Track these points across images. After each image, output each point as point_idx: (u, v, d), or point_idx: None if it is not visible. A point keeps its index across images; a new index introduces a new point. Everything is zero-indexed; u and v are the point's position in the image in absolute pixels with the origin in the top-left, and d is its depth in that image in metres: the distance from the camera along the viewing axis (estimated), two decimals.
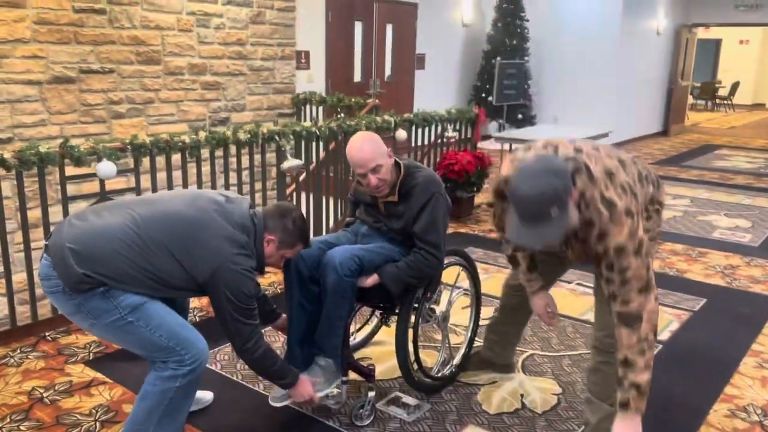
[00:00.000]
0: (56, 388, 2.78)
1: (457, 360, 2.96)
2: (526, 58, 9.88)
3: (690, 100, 14.80)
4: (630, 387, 1.98)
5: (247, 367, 2.96)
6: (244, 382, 2.87)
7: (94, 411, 2.61)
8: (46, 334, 3.28)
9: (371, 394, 2.60)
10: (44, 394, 2.72)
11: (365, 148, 2.50)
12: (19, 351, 3.11)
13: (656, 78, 11.84)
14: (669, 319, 3.65)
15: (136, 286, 2.05)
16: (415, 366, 2.72)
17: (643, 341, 1.97)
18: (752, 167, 9.14)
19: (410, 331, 2.66)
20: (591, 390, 2.33)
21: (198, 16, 6.15)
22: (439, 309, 2.87)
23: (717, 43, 19.65)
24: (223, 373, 2.95)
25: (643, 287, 1.97)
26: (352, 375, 2.65)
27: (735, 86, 17.83)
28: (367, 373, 2.61)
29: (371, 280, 2.54)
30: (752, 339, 3.45)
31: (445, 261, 2.82)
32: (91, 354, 3.09)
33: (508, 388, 2.88)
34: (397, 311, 2.70)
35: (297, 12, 7.11)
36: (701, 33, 13.64)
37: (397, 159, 2.63)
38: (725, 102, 18.07)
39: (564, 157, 2.00)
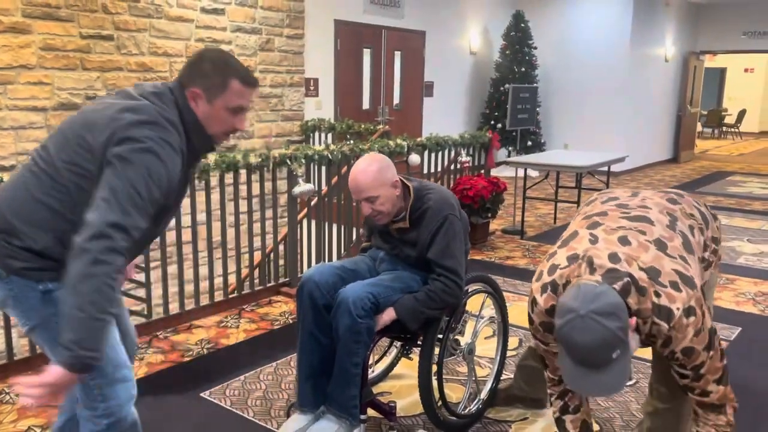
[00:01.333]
0: None
1: (484, 395, 2.76)
2: (535, 85, 9.81)
3: (698, 127, 14.70)
4: None
5: (259, 402, 2.79)
6: (256, 420, 2.67)
7: None
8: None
9: None
10: None
11: (362, 177, 2.33)
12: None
13: (665, 105, 11.76)
14: None
15: (54, 230, 1.66)
16: (440, 403, 2.52)
17: (730, 426, 1.83)
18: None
19: (433, 366, 2.47)
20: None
21: (207, 43, 6.09)
22: (464, 340, 2.68)
23: (722, 72, 19.65)
24: (233, 410, 2.75)
25: (719, 378, 1.79)
26: (371, 412, 2.45)
27: (742, 114, 17.78)
28: (388, 411, 2.42)
29: (387, 316, 2.35)
30: None
31: (471, 288, 2.65)
32: None
33: (540, 425, 2.67)
34: (419, 342, 2.51)
35: (306, 39, 7.06)
36: (707, 62, 13.61)
37: (407, 182, 2.46)
38: (732, 130, 17.99)
39: (606, 276, 1.70)
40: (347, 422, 2.32)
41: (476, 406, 2.70)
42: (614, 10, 9.96)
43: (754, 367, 3.28)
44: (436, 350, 2.47)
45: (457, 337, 2.63)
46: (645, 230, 1.86)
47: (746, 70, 19.36)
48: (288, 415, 2.51)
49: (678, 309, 1.70)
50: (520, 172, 6.16)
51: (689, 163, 12.33)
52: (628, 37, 9.89)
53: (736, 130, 17.88)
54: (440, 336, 2.50)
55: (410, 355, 2.64)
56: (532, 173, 7.60)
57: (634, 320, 1.68)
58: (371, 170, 2.33)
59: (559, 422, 1.99)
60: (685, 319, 1.70)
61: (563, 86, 10.42)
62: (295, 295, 2.49)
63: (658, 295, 1.70)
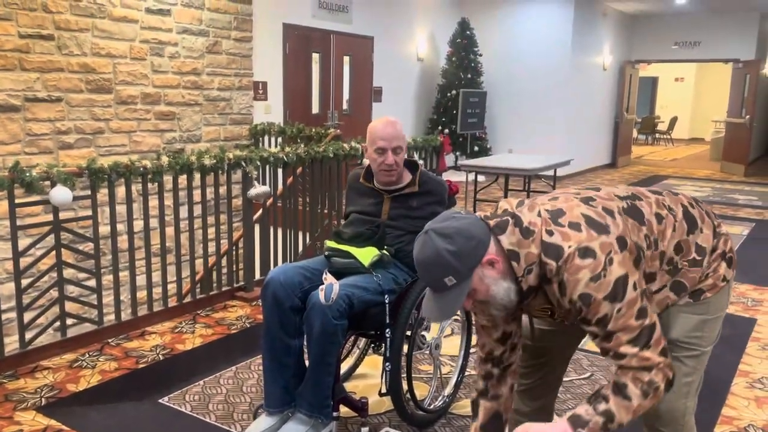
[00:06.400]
0: None
1: (448, 390, 2.78)
2: (484, 90, 9.99)
3: (633, 134, 15.30)
4: (604, 414, 1.52)
5: (220, 406, 2.73)
6: (218, 424, 2.60)
7: None
8: None
9: (365, 429, 2.39)
10: None
11: (392, 126, 2.51)
12: None
13: (603, 111, 12.19)
14: None
15: None
16: (408, 396, 2.52)
17: (650, 385, 1.53)
18: (702, 195, 9.40)
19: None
20: None
21: (152, 45, 5.94)
22: (431, 336, 2.69)
23: (654, 81, 20.54)
24: (194, 415, 2.67)
25: (634, 339, 1.52)
26: (343, 409, 2.43)
27: (673, 121, 18.60)
28: (360, 408, 2.40)
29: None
30: (738, 359, 3.39)
31: None
32: (43, 399, 2.76)
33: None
34: (387, 337, 2.50)
35: (254, 43, 6.98)
36: (640, 71, 14.19)
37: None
38: (665, 136, 18.80)
39: (494, 215, 1.62)
40: (319, 421, 2.29)
41: (441, 402, 2.72)
42: (556, 20, 10.27)
43: None
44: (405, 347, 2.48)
45: (423, 333, 2.64)
46: (582, 192, 1.69)
47: (677, 80, 20.30)
48: (255, 418, 2.46)
49: (570, 247, 1.51)
50: (470, 177, 6.26)
51: (627, 168, 12.81)
52: (569, 46, 10.21)
53: (669, 136, 18.68)
54: (408, 333, 2.50)
55: (381, 351, 2.63)
56: (481, 177, 7.74)
57: (499, 260, 1.54)
58: (399, 124, 2.52)
59: (474, 404, 1.85)
60: (579, 260, 1.51)
61: (508, 93, 10.65)
62: (260, 295, 2.45)
63: (550, 233, 1.54)
